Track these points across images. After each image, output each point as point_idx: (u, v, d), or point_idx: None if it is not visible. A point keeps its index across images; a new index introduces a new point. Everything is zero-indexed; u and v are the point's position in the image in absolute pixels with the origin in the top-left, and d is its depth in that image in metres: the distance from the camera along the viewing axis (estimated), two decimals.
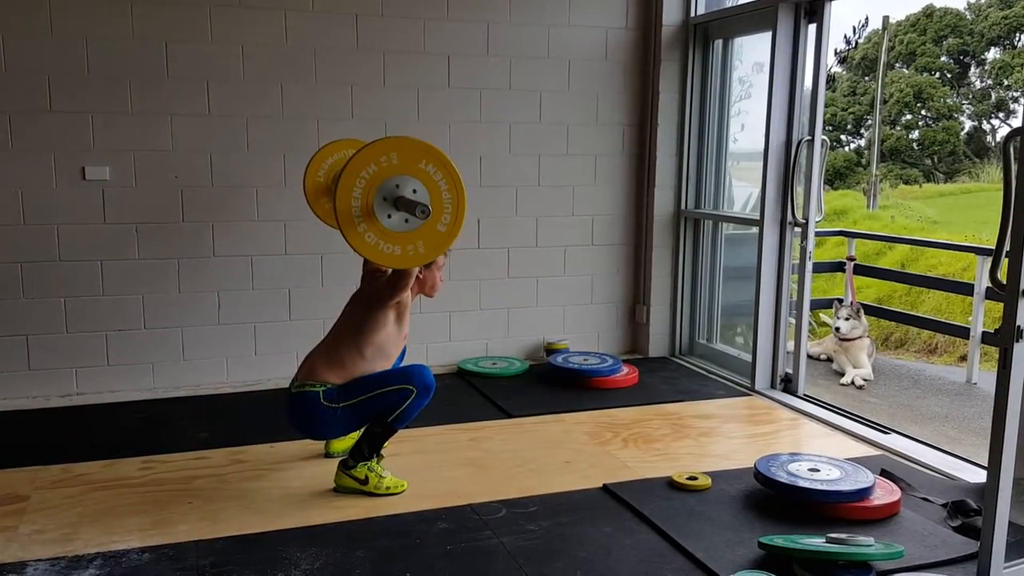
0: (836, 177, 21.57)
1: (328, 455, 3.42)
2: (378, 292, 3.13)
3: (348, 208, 2.74)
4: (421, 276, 3.25)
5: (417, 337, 4.75)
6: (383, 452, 3.18)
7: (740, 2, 4.79)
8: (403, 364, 3.24)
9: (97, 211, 4.15)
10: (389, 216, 2.79)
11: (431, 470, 3.35)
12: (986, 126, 23.83)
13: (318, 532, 2.82)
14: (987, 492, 2.53)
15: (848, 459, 3.30)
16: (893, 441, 3.74)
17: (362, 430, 3.15)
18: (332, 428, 3.12)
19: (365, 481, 3.08)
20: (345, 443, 3.40)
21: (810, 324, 5.55)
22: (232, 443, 3.59)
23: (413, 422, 3.83)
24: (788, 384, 4.44)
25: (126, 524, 2.85)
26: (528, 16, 4.73)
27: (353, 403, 3.04)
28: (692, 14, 4.89)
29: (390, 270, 3.07)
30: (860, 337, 5.37)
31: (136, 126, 4.15)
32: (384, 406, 3.06)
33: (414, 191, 2.79)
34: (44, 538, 2.75)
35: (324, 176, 3.70)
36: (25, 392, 4.16)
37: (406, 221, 2.80)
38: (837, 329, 5.31)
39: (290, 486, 3.18)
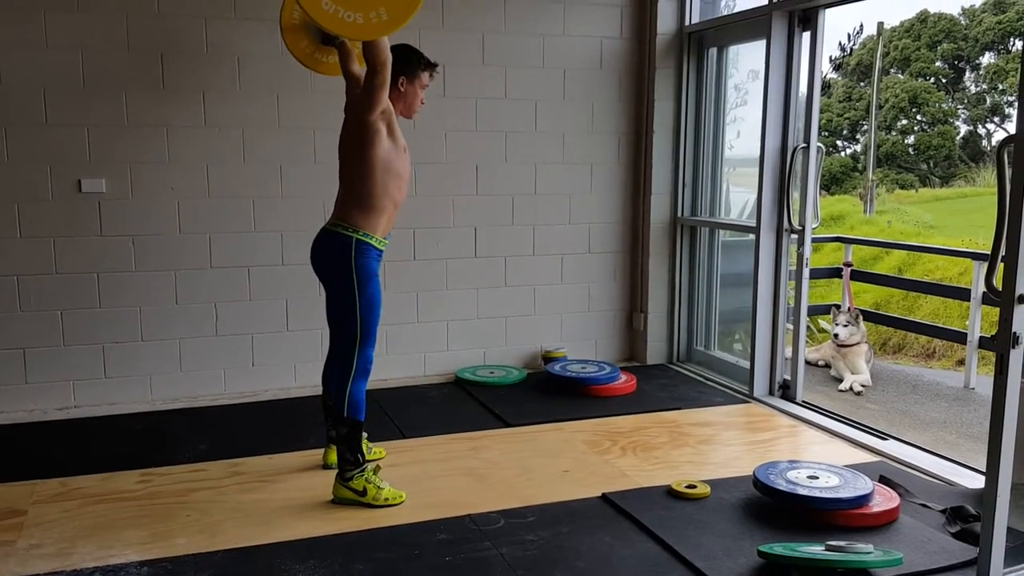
0: (832, 182, 21.62)
1: (326, 466, 3.42)
2: (359, 109, 3.01)
3: None
4: (403, 89, 3.17)
5: (415, 346, 4.76)
6: (380, 464, 3.18)
7: (734, 10, 4.82)
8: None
9: (93, 223, 4.15)
10: None
11: (430, 480, 3.35)
12: (981, 131, 23.89)
13: (317, 544, 2.81)
14: (986, 498, 2.53)
15: (847, 466, 3.30)
16: (892, 447, 3.74)
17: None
18: (336, 279, 3.08)
19: (363, 493, 3.08)
20: None
21: (808, 330, 5.55)
22: (230, 455, 3.58)
23: (411, 431, 3.84)
24: (786, 391, 4.44)
25: (124, 538, 2.85)
26: (523, 26, 4.74)
27: (355, 295, 3.04)
28: (686, 23, 4.90)
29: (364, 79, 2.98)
30: (858, 343, 5.37)
31: (132, 138, 4.15)
32: (339, 327, 3.12)
33: None
34: (42, 553, 2.74)
35: (299, 16, 3.52)
36: (22, 405, 4.15)
37: None
38: (836, 335, 5.31)
39: (288, 498, 3.18)
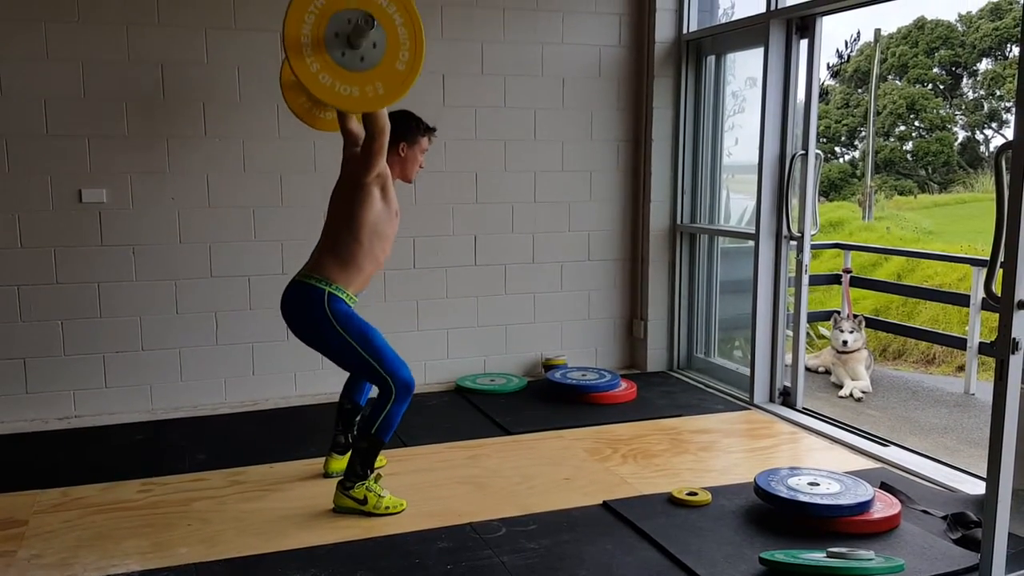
0: (831, 189, 21.64)
1: (327, 475, 3.42)
2: (356, 169, 3.02)
3: (297, 39, 2.64)
4: (403, 154, 3.18)
5: (414, 354, 4.75)
6: (381, 472, 3.18)
7: (732, 19, 4.84)
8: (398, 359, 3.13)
9: (94, 233, 4.16)
10: (343, 54, 2.70)
11: (430, 488, 3.35)
12: (979, 136, 23.93)
13: (318, 553, 2.81)
14: (986, 504, 2.54)
15: (848, 472, 3.30)
16: (892, 453, 3.74)
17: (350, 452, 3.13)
18: (317, 336, 3.05)
19: (364, 501, 3.08)
20: (343, 463, 3.39)
21: (808, 336, 5.56)
22: (231, 464, 3.58)
23: (411, 440, 3.84)
24: (787, 397, 4.44)
25: (125, 548, 2.84)
26: (522, 35, 4.76)
27: (348, 340, 2.99)
28: (684, 31, 4.92)
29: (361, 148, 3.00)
30: (859, 349, 5.37)
31: (132, 149, 4.16)
32: (362, 371, 3.06)
33: (369, 16, 2.67)
34: (43, 563, 2.74)
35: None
36: (23, 415, 4.15)
37: (361, 60, 2.71)
38: (845, 343, 5.30)
39: (289, 507, 3.17)
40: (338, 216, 3.09)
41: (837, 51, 25.95)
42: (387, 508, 3.09)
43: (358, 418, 3.41)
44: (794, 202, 4.35)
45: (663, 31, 4.91)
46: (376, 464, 3.47)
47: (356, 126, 3.21)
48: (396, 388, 3.02)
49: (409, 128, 3.20)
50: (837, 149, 24.44)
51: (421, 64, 2.81)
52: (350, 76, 2.71)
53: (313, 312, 3.00)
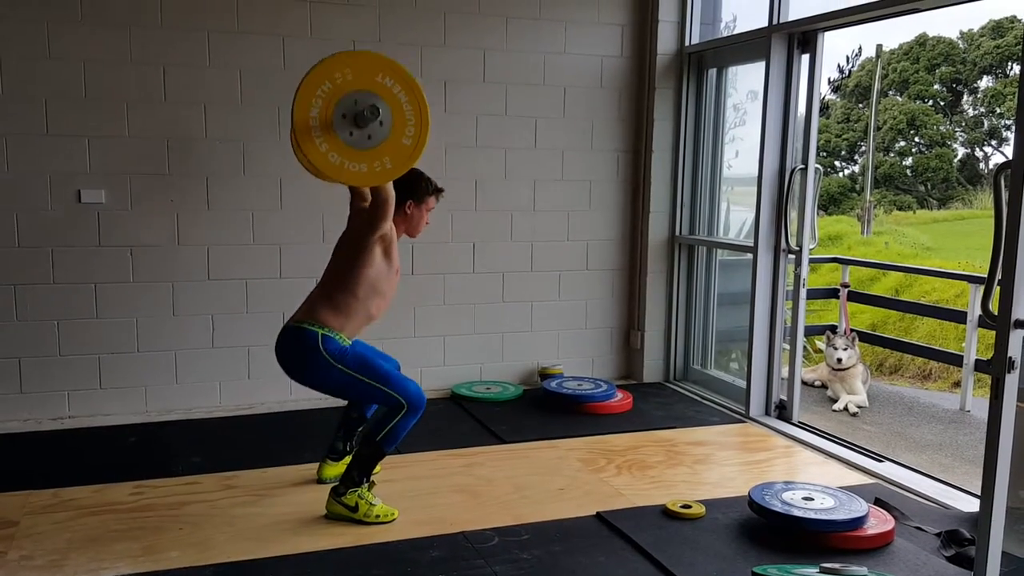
0: (830, 203, 21.69)
1: (320, 481, 3.40)
2: (361, 226, 3.07)
3: (306, 123, 2.73)
4: (409, 212, 3.21)
5: (411, 361, 4.75)
6: (375, 479, 3.17)
7: (734, 32, 4.85)
8: (401, 375, 3.17)
9: (92, 234, 4.15)
10: (351, 134, 2.78)
11: (424, 496, 3.34)
12: (979, 153, 24.00)
13: (310, 559, 2.80)
14: (980, 522, 2.53)
15: (842, 487, 3.29)
16: (887, 469, 3.74)
17: (351, 456, 3.13)
18: (317, 377, 3.06)
19: (355, 509, 3.07)
20: (337, 469, 3.38)
21: (805, 350, 5.55)
22: (224, 468, 3.57)
23: (406, 447, 3.83)
24: (782, 411, 4.44)
25: (116, 550, 2.83)
26: (524, 44, 4.77)
27: (349, 373, 3.01)
28: (686, 43, 4.94)
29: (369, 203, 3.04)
30: (854, 365, 5.36)
31: (132, 149, 4.16)
32: (371, 398, 3.08)
33: (374, 107, 2.78)
34: (33, 564, 2.73)
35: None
36: (16, 415, 4.14)
37: (368, 138, 2.79)
38: (839, 360, 5.29)
39: (282, 512, 3.16)
40: (338, 268, 3.14)
41: (838, 66, 26.04)
42: (378, 516, 3.08)
43: (360, 428, 3.41)
44: (793, 215, 4.35)
45: (665, 43, 4.92)
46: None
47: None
48: (408, 405, 3.04)
49: (418, 188, 3.24)
50: (837, 163, 24.50)
51: (427, 138, 2.90)
52: (358, 154, 2.81)
53: (308, 355, 3.03)
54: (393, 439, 3.06)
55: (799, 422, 4.37)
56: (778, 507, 3.01)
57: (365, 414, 3.43)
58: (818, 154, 4.30)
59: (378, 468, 3.53)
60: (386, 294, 3.16)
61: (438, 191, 3.32)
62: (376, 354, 3.24)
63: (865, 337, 6.29)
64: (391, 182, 2.95)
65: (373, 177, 2.85)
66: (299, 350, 3.05)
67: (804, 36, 4.20)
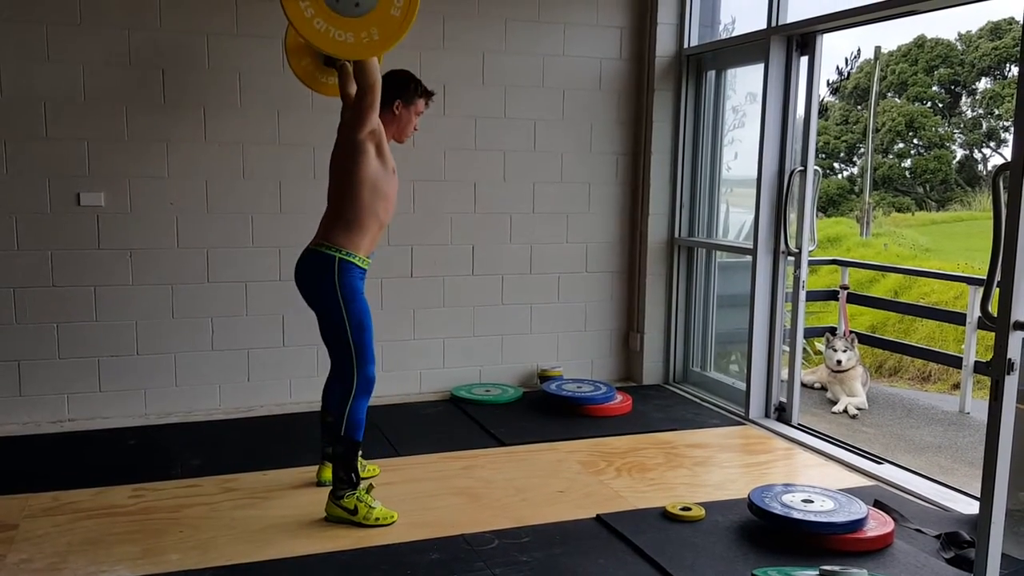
0: (829, 204, 21.69)
1: (320, 483, 3.40)
2: (350, 122, 3.04)
3: None
4: (397, 112, 3.20)
5: (410, 363, 4.76)
6: (373, 483, 3.16)
7: (733, 34, 4.85)
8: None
9: (91, 237, 4.15)
10: (338, 0, 2.72)
11: (423, 499, 3.34)
12: (977, 155, 24.02)
13: (310, 562, 2.80)
14: (980, 524, 2.53)
15: (842, 490, 3.29)
16: (887, 471, 3.74)
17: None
18: (322, 304, 3.07)
19: (354, 511, 3.06)
20: None
21: (804, 352, 5.55)
22: (224, 471, 3.57)
23: (405, 449, 3.83)
24: (782, 413, 4.44)
25: (115, 553, 2.83)
26: (523, 46, 4.77)
27: (344, 317, 3.03)
28: (685, 46, 4.94)
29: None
30: (853, 367, 5.36)
31: (132, 152, 4.16)
32: (338, 352, 3.10)
33: None
34: (32, 568, 2.72)
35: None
36: (16, 418, 4.13)
37: (356, 5, 2.72)
38: (839, 362, 5.29)
39: (282, 515, 3.16)
40: (337, 179, 3.13)
41: (837, 68, 26.05)
42: (377, 519, 3.07)
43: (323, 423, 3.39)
44: (792, 217, 4.35)
45: (664, 45, 4.93)
46: (368, 473, 3.47)
47: (355, 90, 3.23)
48: (358, 380, 3.07)
49: (407, 87, 3.22)
50: (836, 165, 24.51)
51: (416, 10, 2.81)
52: (345, 22, 2.72)
53: (323, 278, 3.04)
54: (356, 426, 3.08)
55: (799, 424, 4.37)
56: (778, 509, 3.01)
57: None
58: (817, 156, 4.30)
59: (377, 471, 3.54)
60: (389, 195, 3.15)
61: (428, 94, 3.29)
62: (370, 329, 3.17)
63: (864, 339, 6.30)
64: (377, 70, 2.91)
65: (360, 49, 2.76)
66: (315, 273, 3.06)
67: (803, 38, 4.20)
